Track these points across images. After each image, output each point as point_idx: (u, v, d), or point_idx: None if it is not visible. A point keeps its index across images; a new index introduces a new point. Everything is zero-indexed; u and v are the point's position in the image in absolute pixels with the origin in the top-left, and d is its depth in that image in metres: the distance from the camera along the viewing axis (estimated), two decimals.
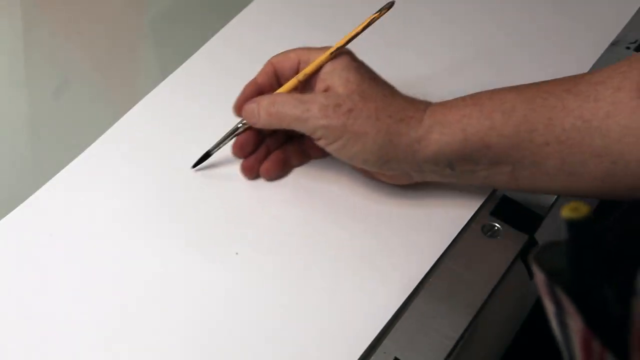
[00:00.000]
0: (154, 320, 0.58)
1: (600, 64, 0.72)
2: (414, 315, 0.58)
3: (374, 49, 0.64)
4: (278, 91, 0.63)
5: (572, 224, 0.30)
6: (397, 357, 0.56)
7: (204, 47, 0.76)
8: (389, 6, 0.62)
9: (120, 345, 0.57)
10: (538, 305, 0.64)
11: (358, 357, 0.56)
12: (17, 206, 0.64)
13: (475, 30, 0.77)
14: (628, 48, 0.73)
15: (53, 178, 0.66)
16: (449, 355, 0.56)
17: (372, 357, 0.56)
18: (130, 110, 0.71)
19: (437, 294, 0.59)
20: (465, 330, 0.57)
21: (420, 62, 0.74)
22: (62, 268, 0.61)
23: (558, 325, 0.35)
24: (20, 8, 0.83)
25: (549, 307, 0.34)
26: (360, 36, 0.63)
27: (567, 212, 0.30)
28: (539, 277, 0.33)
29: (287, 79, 0.64)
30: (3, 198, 0.66)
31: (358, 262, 0.61)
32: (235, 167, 0.66)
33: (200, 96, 0.72)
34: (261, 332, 0.57)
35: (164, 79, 0.74)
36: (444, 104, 0.59)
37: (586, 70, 0.71)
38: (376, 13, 0.62)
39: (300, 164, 0.67)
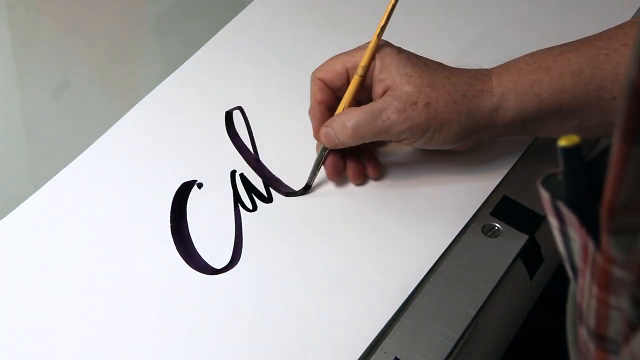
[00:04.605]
0: (154, 320, 0.58)
1: None
2: (414, 315, 0.58)
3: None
4: (346, 94, 0.63)
5: (564, 150, 0.36)
6: (397, 357, 0.56)
7: (204, 47, 0.76)
8: None
9: (119, 344, 0.57)
10: (538, 305, 0.64)
11: (358, 357, 0.56)
12: (17, 206, 0.64)
13: (480, 24, 0.77)
14: None
15: (53, 178, 0.66)
16: (449, 355, 0.56)
17: (372, 357, 0.56)
18: (130, 110, 0.71)
19: (437, 294, 0.59)
20: (465, 330, 0.57)
21: (425, 52, 0.74)
22: (62, 268, 0.61)
23: (561, 239, 0.38)
24: (20, 7, 0.83)
25: (554, 224, 0.38)
26: (365, 28, 0.63)
27: (561, 141, 0.36)
28: (544, 196, 0.37)
29: (338, 89, 0.64)
30: (3, 198, 0.66)
31: (358, 262, 0.61)
32: (231, 168, 0.67)
33: (201, 96, 0.72)
34: (262, 332, 0.57)
35: (164, 79, 0.74)
36: (508, 69, 0.61)
37: None
38: None
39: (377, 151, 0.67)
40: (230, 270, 0.61)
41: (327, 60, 0.65)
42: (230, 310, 0.59)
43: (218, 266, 0.61)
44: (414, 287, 0.59)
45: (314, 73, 0.65)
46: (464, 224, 0.63)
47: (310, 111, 0.65)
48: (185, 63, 0.75)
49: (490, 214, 0.63)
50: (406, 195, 0.65)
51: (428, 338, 0.56)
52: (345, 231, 0.63)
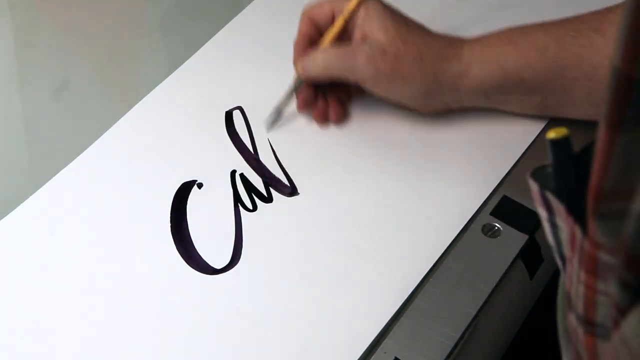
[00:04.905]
0: (154, 320, 0.58)
1: None
2: (414, 315, 0.58)
3: None
4: (330, 31, 0.67)
5: (553, 143, 0.37)
6: (397, 357, 0.56)
7: (204, 47, 0.76)
8: None
9: (119, 345, 0.57)
10: (538, 305, 0.64)
11: (358, 357, 0.56)
12: (17, 206, 0.64)
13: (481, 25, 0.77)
14: None
15: (53, 178, 0.66)
16: (449, 355, 0.56)
17: (372, 357, 0.56)
18: (130, 110, 0.71)
19: (437, 294, 0.59)
20: (465, 330, 0.57)
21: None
22: (62, 268, 0.61)
23: (550, 230, 0.39)
24: (20, 7, 0.83)
25: (542, 214, 0.39)
26: None
27: (550, 134, 0.36)
28: (533, 187, 0.38)
29: (323, 27, 0.68)
30: (3, 198, 0.66)
31: (358, 262, 0.61)
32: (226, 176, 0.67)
33: (201, 96, 0.72)
34: (262, 332, 0.57)
35: (164, 79, 0.74)
36: (480, 41, 0.64)
37: None
38: None
39: (348, 103, 0.71)
40: (230, 270, 0.61)
41: (320, 1, 0.68)
42: (230, 310, 0.59)
43: (218, 266, 0.61)
44: (414, 287, 0.59)
45: (304, 10, 0.69)
46: (464, 224, 0.63)
47: (294, 43, 0.68)
48: (185, 63, 0.75)
49: (490, 214, 0.63)
50: (406, 195, 0.65)
51: (428, 338, 0.56)
52: (345, 231, 0.63)
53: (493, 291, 0.59)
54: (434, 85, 0.64)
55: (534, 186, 0.38)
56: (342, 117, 0.69)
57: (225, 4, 0.83)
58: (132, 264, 0.61)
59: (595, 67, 0.60)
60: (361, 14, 0.65)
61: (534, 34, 0.63)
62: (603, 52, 0.60)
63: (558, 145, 0.37)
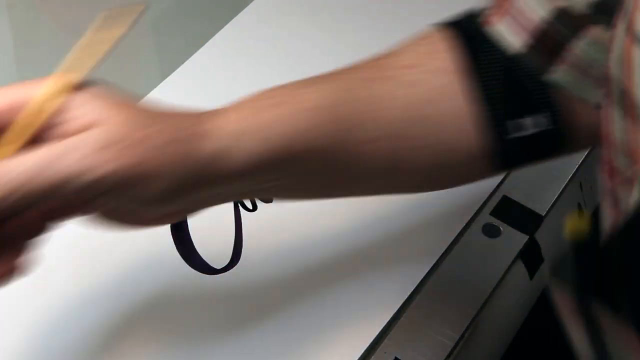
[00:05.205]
0: (155, 320, 0.58)
1: None
2: (414, 315, 0.58)
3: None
4: (14, 132, 0.41)
5: (575, 245, 0.30)
6: (397, 357, 0.56)
7: (203, 48, 0.76)
8: (142, 12, 0.47)
9: (119, 345, 0.57)
10: (538, 305, 0.64)
11: (358, 357, 0.56)
12: None
13: None
14: None
15: None
16: (449, 355, 0.56)
17: (372, 357, 0.56)
18: None
19: (437, 294, 0.59)
20: (465, 330, 0.57)
21: None
22: (62, 268, 0.61)
23: (588, 339, 0.32)
24: (20, 7, 0.83)
25: (571, 325, 0.32)
26: (367, 30, 0.62)
27: (568, 225, 0.29)
28: (560, 297, 0.31)
29: None
30: None
31: (358, 262, 0.61)
32: None
33: (201, 96, 0.72)
34: (261, 332, 0.57)
35: (164, 79, 0.74)
36: (238, 108, 0.46)
37: None
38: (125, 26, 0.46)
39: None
40: (231, 270, 0.61)
41: None
42: (230, 310, 0.59)
43: (218, 266, 0.61)
44: (414, 287, 0.59)
45: None
46: (464, 224, 0.63)
47: None
48: (185, 63, 0.75)
49: (490, 214, 0.63)
50: (406, 195, 0.65)
51: (428, 338, 0.56)
52: (345, 231, 0.63)
53: (493, 291, 0.59)
54: (190, 174, 0.42)
55: (560, 294, 0.31)
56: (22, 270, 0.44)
57: (225, 4, 0.83)
58: (132, 263, 0.61)
59: (393, 121, 0.47)
60: (78, 101, 0.42)
61: (310, 90, 0.47)
62: (399, 102, 0.47)
63: (581, 248, 0.29)
